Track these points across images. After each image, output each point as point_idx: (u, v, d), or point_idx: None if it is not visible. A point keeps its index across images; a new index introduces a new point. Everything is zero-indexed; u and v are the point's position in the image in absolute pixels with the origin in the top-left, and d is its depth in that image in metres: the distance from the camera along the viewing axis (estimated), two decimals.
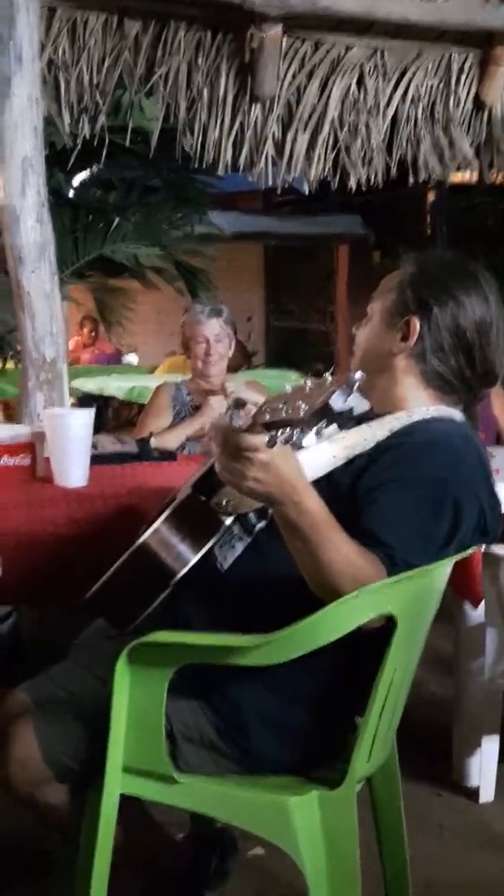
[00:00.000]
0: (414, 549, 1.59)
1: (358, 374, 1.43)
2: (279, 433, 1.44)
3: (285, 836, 1.60)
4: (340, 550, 1.53)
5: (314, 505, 1.52)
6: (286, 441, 1.43)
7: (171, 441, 3.30)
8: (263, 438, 1.45)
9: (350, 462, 1.71)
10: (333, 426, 1.81)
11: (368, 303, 1.87)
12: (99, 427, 2.62)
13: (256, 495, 1.53)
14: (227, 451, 1.50)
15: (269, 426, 1.45)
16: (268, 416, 1.46)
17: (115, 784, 1.60)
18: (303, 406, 1.42)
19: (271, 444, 1.45)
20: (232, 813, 1.67)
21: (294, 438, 1.43)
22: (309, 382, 1.49)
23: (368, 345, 1.83)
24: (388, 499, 1.62)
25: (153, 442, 2.95)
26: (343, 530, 1.54)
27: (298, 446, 1.45)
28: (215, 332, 3.58)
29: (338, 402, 1.41)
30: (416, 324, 1.75)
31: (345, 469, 1.71)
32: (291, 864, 1.61)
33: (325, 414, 1.41)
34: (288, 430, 1.43)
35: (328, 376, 1.49)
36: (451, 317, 1.75)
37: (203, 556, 1.70)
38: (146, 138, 3.80)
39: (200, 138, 3.68)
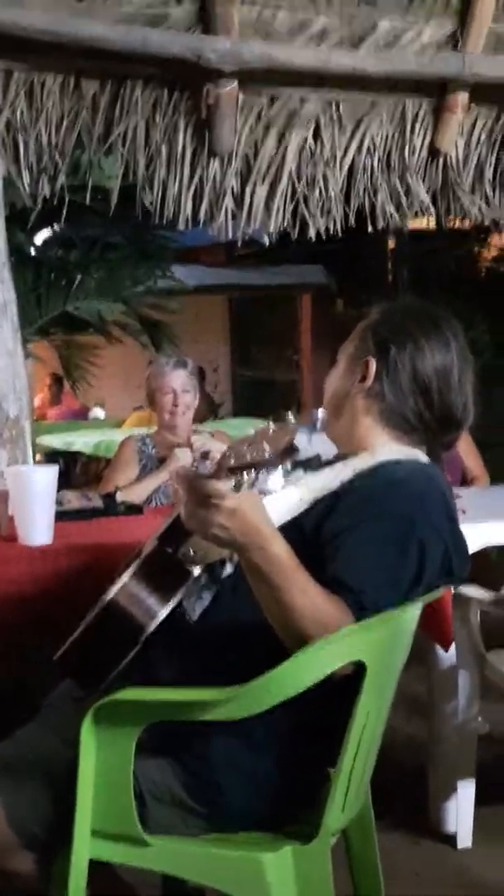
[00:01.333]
0: (382, 592, 1.59)
1: (320, 412, 1.46)
2: (245, 476, 1.44)
3: (259, 894, 1.57)
4: (307, 595, 1.53)
5: (280, 550, 1.53)
6: (252, 484, 1.44)
7: (138, 495, 3.30)
8: (230, 483, 1.45)
9: (314, 504, 1.72)
10: (300, 471, 1.83)
11: (333, 351, 1.92)
12: (66, 483, 2.61)
13: (223, 542, 1.53)
14: (194, 499, 1.50)
15: (235, 470, 1.46)
16: (233, 461, 1.46)
17: (84, 849, 1.56)
18: (267, 448, 1.42)
19: (237, 488, 1.45)
20: (204, 873, 1.64)
21: (260, 481, 1.43)
22: (272, 425, 1.50)
23: (332, 388, 1.87)
24: (353, 542, 1.62)
25: (119, 496, 2.94)
26: (309, 575, 1.54)
27: (264, 491, 1.46)
28: (181, 382, 3.60)
29: (302, 440, 1.42)
30: (373, 363, 1.79)
31: (309, 512, 1.71)
32: None
33: (290, 453, 1.41)
34: (253, 472, 1.44)
35: (290, 417, 1.50)
36: (409, 358, 1.78)
37: (171, 609, 1.69)
38: (106, 196, 3.83)
39: (160, 194, 3.71)
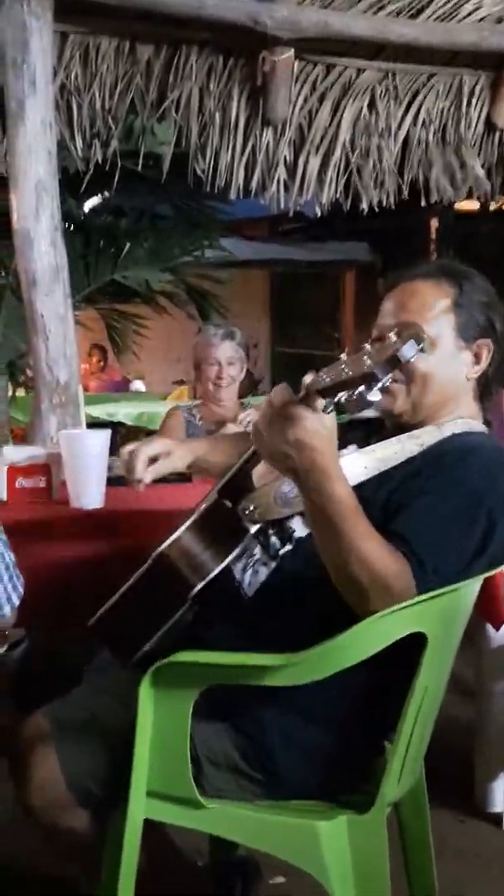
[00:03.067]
0: (444, 557, 1.57)
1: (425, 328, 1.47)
2: (340, 397, 1.39)
3: (314, 862, 1.56)
4: (368, 542, 1.50)
5: (345, 491, 1.51)
6: (348, 399, 1.38)
7: None
8: (320, 405, 1.41)
9: (380, 476, 1.69)
10: (353, 446, 1.79)
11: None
12: (110, 452, 2.59)
13: (291, 468, 1.49)
14: (274, 419, 1.46)
15: (327, 392, 1.40)
16: (328, 380, 1.41)
17: (140, 809, 1.56)
18: (368, 361, 1.37)
19: (326, 410, 1.41)
20: (259, 838, 1.62)
21: (358, 397, 1.38)
22: (367, 346, 1.44)
23: (440, 371, 1.73)
24: (420, 506, 1.60)
25: None
26: (370, 524, 1.52)
27: (364, 404, 1.41)
28: (227, 355, 3.56)
29: (408, 352, 1.37)
30: (491, 346, 1.75)
31: (373, 481, 1.69)
32: (313, 892, 1.56)
33: (393, 364, 1.36)
34: (347, 392, 1.38)
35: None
36: (502, 331, 1.77)
37: (225, 580, 1.66)
38: (158, 163, 3.81)
39: (212, 162, 3.69)
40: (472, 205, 8.09)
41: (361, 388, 1.37)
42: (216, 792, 1.61)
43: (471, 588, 1.68)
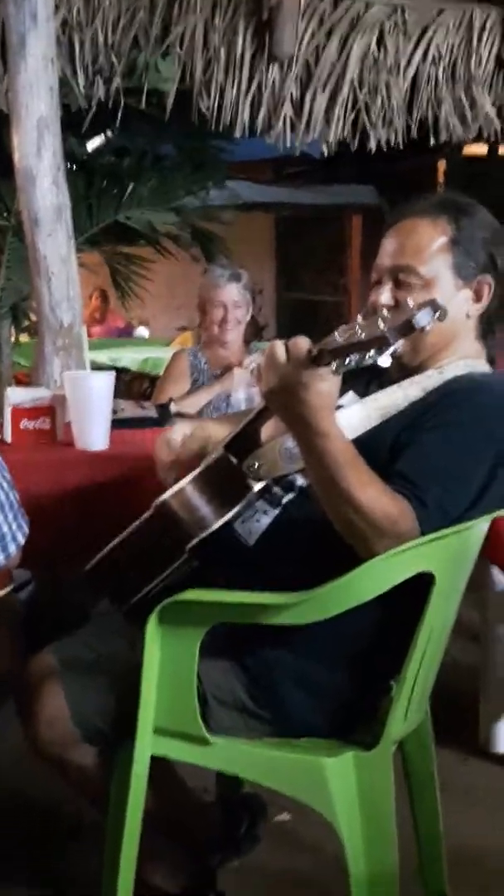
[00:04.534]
0: (448, 495, 1.56)
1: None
2: (349, 359, 1.38)
3: (320, 798, 1.57)
4: (366, 490, 1.50)
5: (341, 445, 1.51)
6: (358, 362, 1.38)
7: (191, 407, 3.26)
8: (331, 367, 1.41)
9: (383, 423, 1.67)
10: (350, 394, 1.77)
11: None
12: (115, 396, 2.57)
13: (295, 418, 1.49)
14: (289, 370, 1.46)
15: (338, 352, 1.40)
16: (341, 341, 1.40)
17: (147, 745, 1.56)
18: (382, 325, 1.35)
19: (337, 371, 1.41)
20: (266, 774, 1.63)
21: (368, 360, 1.37)
22: (385, 312, 1.43)
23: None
24: (424, 445, 1.59)
25: (173, 407, 2.91)
26: (372, 471, 1.51)
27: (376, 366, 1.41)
28: (233, 297, 3.52)
29: (423, 320, 1.35)
30: (492, 283, 1.72)
31: (376, 429, 1.67)
32: (317, 829, 1.58)
33: (408, 330, 1.35)
34: (357, 354, 1.37)
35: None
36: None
37: (224, 533, 1.65)
38: (161, 100, 3.74)
39: (217, 100, 3.64)
40: (481, 148, 7.94)
41: (372, 351, 1.36)
42: (222, 729, 1.61)
43: (479, 528, 1.67)
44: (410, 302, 1.40)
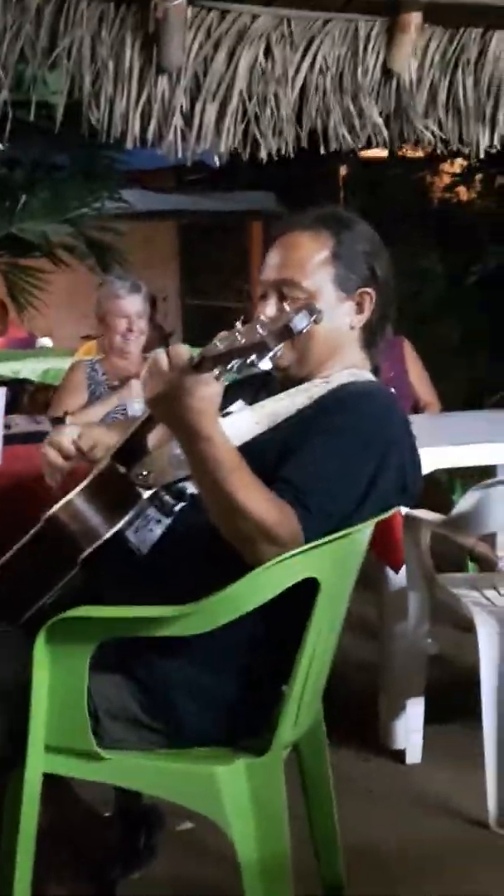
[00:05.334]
0: (331, 499, 1.60)
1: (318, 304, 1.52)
2: (232, 364, 1.42)
3: (213, 807, 1.59)
4: (249, 494, 1.53)
5: (225, 450, 1.53)
6: (240, 367, 1.41)
7: (87, 419, 3.25)
8: (213, 373, 1.44)
9: (272, 429, 1.71)
10: (240, 402, 1.81)
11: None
12: (14, 411, 2.56)
13: (180, 425, 1.52)
14: (172, 378, 1.48)
15: (221, 358, 1.43)
16: (221, 348, 1.43)
17: (38, 763, 1.57)
18: (261, 331, 1.39)
19: (219, 378, 1.45)
20: (159, 786, 1.65)
21: (250, 364, 1.40)
22: (262, 316, 1.48)
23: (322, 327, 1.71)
24: (309, 450, 1.63)
25: (68, 421, 2.90)
26: (256, 477, 1.54)
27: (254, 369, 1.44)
28: (137, 308, 3.53)
29: (300, 324, 1.39)
30: (373, 295, 1.77)
31: (265, 435, 1.70)
32: (222, 836, 1.60)
33: (286, 335, 1.39)
34: (240, 358, 1.41)
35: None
36: (385, 278, 1.79)
37: (116, 543, 1.66)
38: (51, 113, 3.72)
39: (107, 111, 3.61)
40: (382, 152, 8.09)
41: (253, 356, 1.40)
42: (115, 743, 1.62)
43: (362, 532, 1.71)
44: (286, 306, 1.44)
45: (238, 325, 1.46)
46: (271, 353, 1.40)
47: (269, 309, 1.76)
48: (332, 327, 1.74)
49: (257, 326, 1.41)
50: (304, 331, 1.40)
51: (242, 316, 1.53)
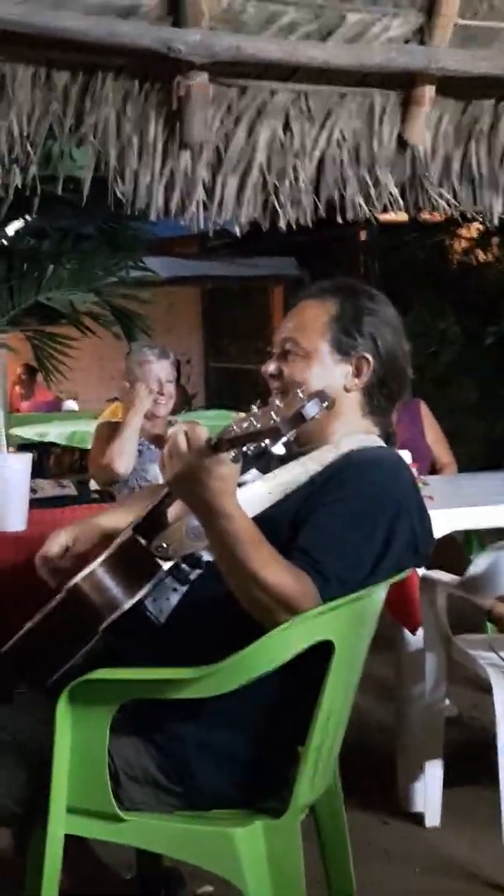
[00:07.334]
0: (346, 566, 1.64)
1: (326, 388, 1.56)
2: (247, 447, 1.48)
3: (231, 868, 1.61)
4: (270, 566, 1.58)
5: (246, 522, 1.59)
6: (254, 453, 1.48)
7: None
8: (230, 455, 1.50)
9: (284, 499, 1.76)
10: (254, 471, 1.87)
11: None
12: (40, 475, 2.63)
13: (199, 504, 1.57)
14: (191, 458, 1.54)
15: (236, 441, 1.49)
16: (238, 432, 1.50)
17: (60, 824, 1.60)
18: (274, 417, 1.46)
19: (236, 460, 1.49)
20: (178, 848, 1.67)
21: (262, 448, 1.47)
22: (277, 401, 1.54)
23: (315, 382, 1.79)
24: (322, 517, 1.68)
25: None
26: (273, 549, 1.59)
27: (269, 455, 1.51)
28: (166, 373, 3.65)
29: (312, 410, 1.46)
30: (371, 360, 1.82)
31: (279, 505, 1.76)
32: None
33: (298, 421, 1.45)
34: (255, 443, 1.47)
35: (254, 409, 1.53)
36: (389, 345, 1.84)
37: (136, 611, 1.71)
38: (78, 186, 3.84)
39: (132, 185, 3.73)
40: (400, 216, 8.20)
41: (267, 440, 1.47)
42: (135, 805, 1.65)
43: (376, 594, 1.75)
44: (300, 393, 1.50)
45: (254, 408, 1.53)
46: (284, 439, 1.47)
47: (270, 367, 1.86)
48: (326, 385, 1.76)
49: (272, 413, 1.48)
50: (316, 417, 1.47)
51: (258, 400, 1.59)
